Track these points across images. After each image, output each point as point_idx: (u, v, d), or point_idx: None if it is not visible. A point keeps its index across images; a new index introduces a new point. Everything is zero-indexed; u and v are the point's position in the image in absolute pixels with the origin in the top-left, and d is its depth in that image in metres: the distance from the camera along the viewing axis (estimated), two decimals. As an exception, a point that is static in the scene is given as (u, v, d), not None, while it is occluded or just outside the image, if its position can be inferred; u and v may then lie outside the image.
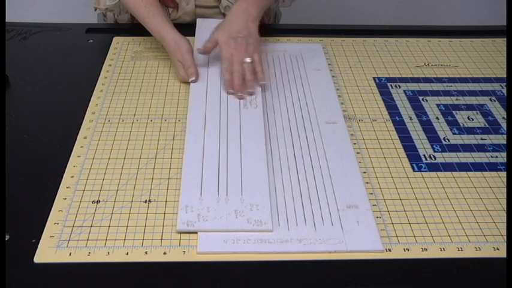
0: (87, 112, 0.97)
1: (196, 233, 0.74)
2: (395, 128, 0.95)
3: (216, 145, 0.87)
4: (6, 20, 1.10)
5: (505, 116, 0.99)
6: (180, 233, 0.74)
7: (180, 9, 1.23)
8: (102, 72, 1.08)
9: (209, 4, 1.25)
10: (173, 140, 0.91)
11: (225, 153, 0.86)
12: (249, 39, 1.02)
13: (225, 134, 0.90)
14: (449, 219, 0.78)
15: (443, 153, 0.90)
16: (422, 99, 1.04)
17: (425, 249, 0.73)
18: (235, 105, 0.96)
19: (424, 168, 0.87)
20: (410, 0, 2.19)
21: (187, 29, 1.14)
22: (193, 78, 1.01)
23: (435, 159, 0.89)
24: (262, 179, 0.81)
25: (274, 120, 0.95)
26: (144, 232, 0.75)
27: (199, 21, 1.21)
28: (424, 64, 1.15)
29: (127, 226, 0.75)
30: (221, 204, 0.77)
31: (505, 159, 0.89)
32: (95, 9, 1.24)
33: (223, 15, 1.25)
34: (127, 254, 0.72)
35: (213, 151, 0.86)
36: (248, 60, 1.01)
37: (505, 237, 0.75)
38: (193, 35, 1.15)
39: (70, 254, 0.71)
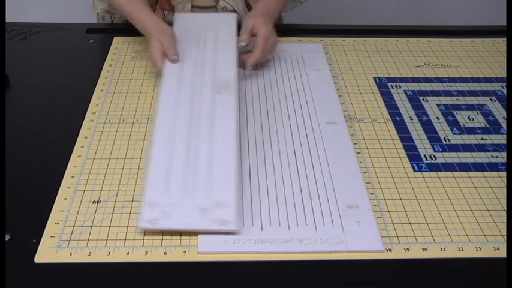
0: (87, 112, 0.97)
1: (197, 235, 0.74)
2: (396, 128, 0.95)
3: (184, 136, 0.84)
4: (6, 20, 1.10)
5: (506, 116, 0.99)
6: (144, 232, 0.73)
7: (176, 12, 1.23)
8: (102, 72, 1.08)
9: (206, 4, 1.25)
10: (173, 140, 0.91)
11: (194, 146, 0.82)
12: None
13: (196, 124, 0.86)
14: (450, 219, 0.78)
15: (443, 153, 0.90)
16: (423, 99, 1.03)
17: (426, 249, 0.73)
18: (207, 92, 0.93)
19: (425, 168, 0.87)
20: (410, 0, 2.18)
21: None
22: (176, 56, 1.00)
23: (436, 159, 0.89)
24: (230, 175, 0.77)
25: (274, 121, 0.95)
26: (145, 232, 0.74)
27: (177, 15, 1.17)
28: (425, 64, 1.15)
29: (127, 226, 0.75)
30: (186, 201, 0.75)
31: (505, 159, 0.89)
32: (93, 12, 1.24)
33: None
34: (127, 254, 0.72)
35: (182, 143, 0.83)
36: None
37: (506, 237, 0.75)
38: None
39: (71, 254, 0.71)
